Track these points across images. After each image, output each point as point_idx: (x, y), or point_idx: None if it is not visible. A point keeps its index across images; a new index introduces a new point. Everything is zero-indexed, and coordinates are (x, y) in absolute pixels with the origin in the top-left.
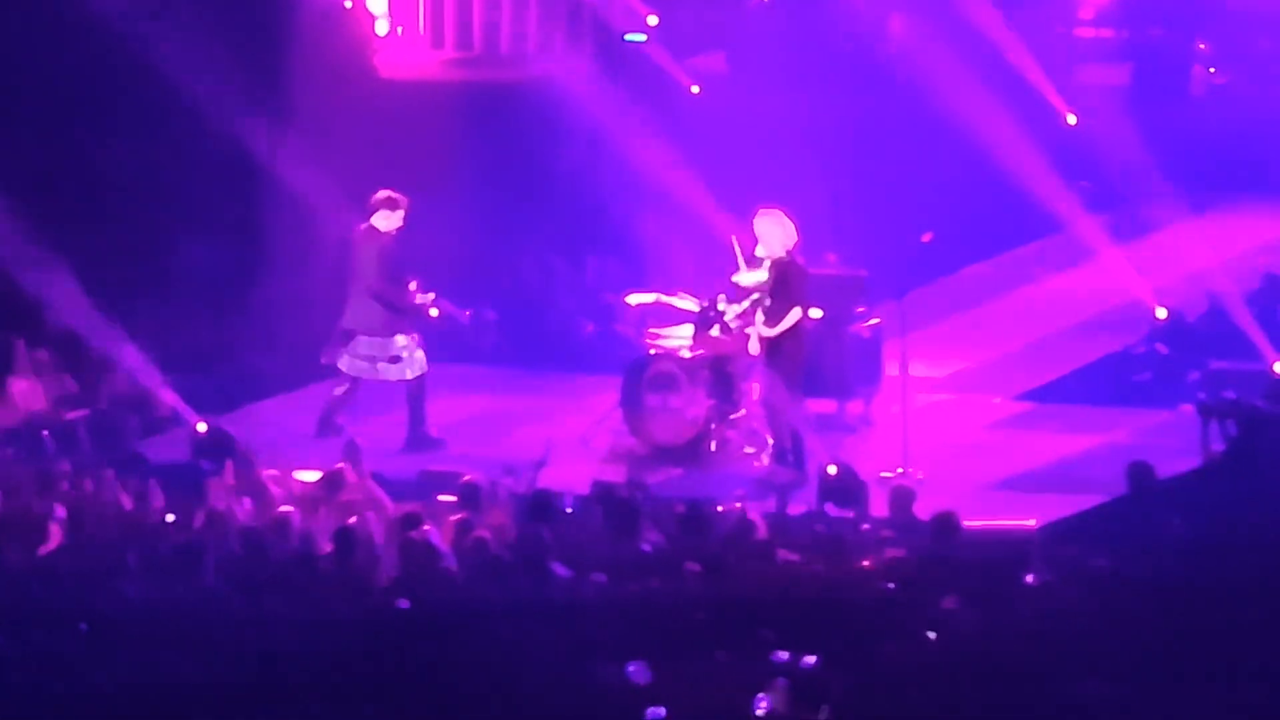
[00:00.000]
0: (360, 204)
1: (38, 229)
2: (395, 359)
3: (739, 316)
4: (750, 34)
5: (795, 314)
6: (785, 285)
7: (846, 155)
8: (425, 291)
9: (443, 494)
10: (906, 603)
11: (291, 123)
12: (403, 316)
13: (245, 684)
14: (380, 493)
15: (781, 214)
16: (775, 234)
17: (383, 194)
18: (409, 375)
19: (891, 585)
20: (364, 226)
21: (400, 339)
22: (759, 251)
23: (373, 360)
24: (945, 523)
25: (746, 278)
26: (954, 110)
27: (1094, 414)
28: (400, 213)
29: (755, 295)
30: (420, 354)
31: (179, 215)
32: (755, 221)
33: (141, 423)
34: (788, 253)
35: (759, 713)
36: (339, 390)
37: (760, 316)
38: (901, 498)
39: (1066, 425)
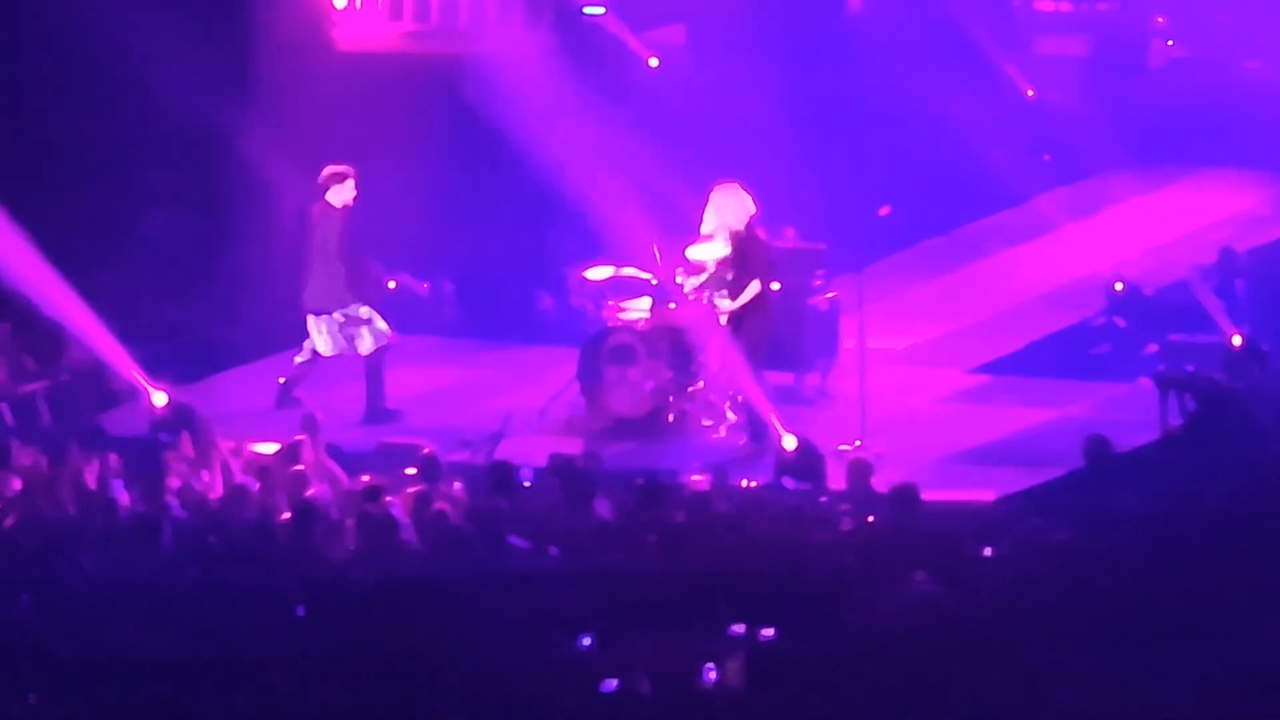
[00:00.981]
0: (318, 176)
1: None
2: (357, 334)
3: (696, 289)
4: (708, 7)
5: (754, 287)
6: (745, 259)
7: (804, 128)
8: (385, 267)
9: (401, 466)
10: (865, 575)
11: (251, 95)
12: (362, 290)
13: (203, 657)
14: (335, 466)
15: (738, 188)
16: (733, 208)
17: (328, 170)
18: (373, 346)
19: (850, 558)
20: (318, 205)
21: (364, 309)
22: (706, 227)
23: (334, 337)
24: (904, 495)
25: (701, 251)
26: (912, 83)
27: (1052, 387)
28: (350, 183)
29: (712, 268)
30: (383, 325)
31: (138, 188)
32: (712, 196)
33: (100, 395)
34: (746, 226)
35: (708, 681)
36: (299, 362)
37: (721, 290)
38: (859, 470)
39: (1024, 398)
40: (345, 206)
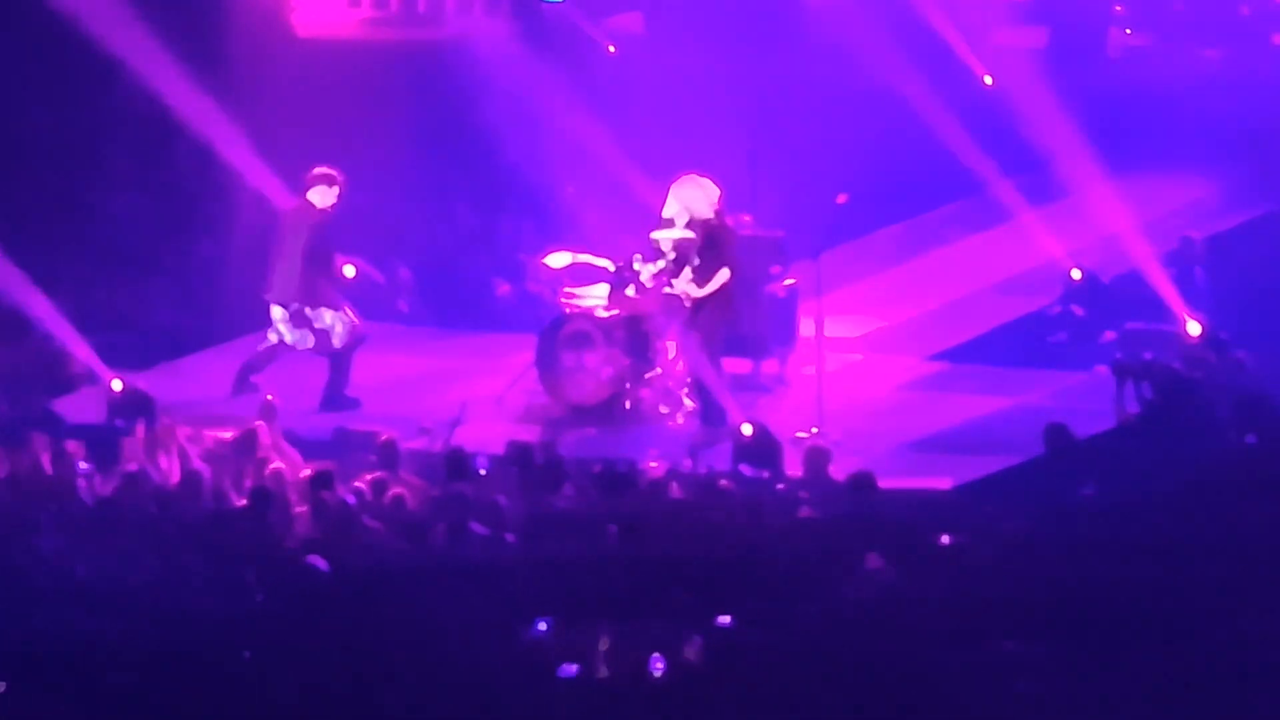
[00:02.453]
0: (275, 162)
1: None
2: (325, 329)
3: (654, 276)
4: None
5: (724, 275)
6: (714, 246)
7: (763, 116)
8: (345, 256)
9: (359, 453)
10: (822, 563)
11: (209, 81)
12: (328, 289)
13: (160, 644)
14: (292, 452)
15: (698, 178)
16: (699, 197)
17: (320, 170)
18: (343, 341)
19: (807, 545)
20: (298, 201)
21: (327, 315)
22: (667, 211)
23: (298, 331)
24: (862, 482)
25: (667, 235)
26: (870, 71)
27: (1009, 375)
28: (336, 190)
29: (672, 255)
30: (347, 324)
31: (96, 173)
32: (678, 185)
33: (57, 381)
34: (716, 214)
35: (655, 673)
36: (260, 349)
37: (686, 276)
38: (816, 458)
39: (982, 386)
40: (325, 210)
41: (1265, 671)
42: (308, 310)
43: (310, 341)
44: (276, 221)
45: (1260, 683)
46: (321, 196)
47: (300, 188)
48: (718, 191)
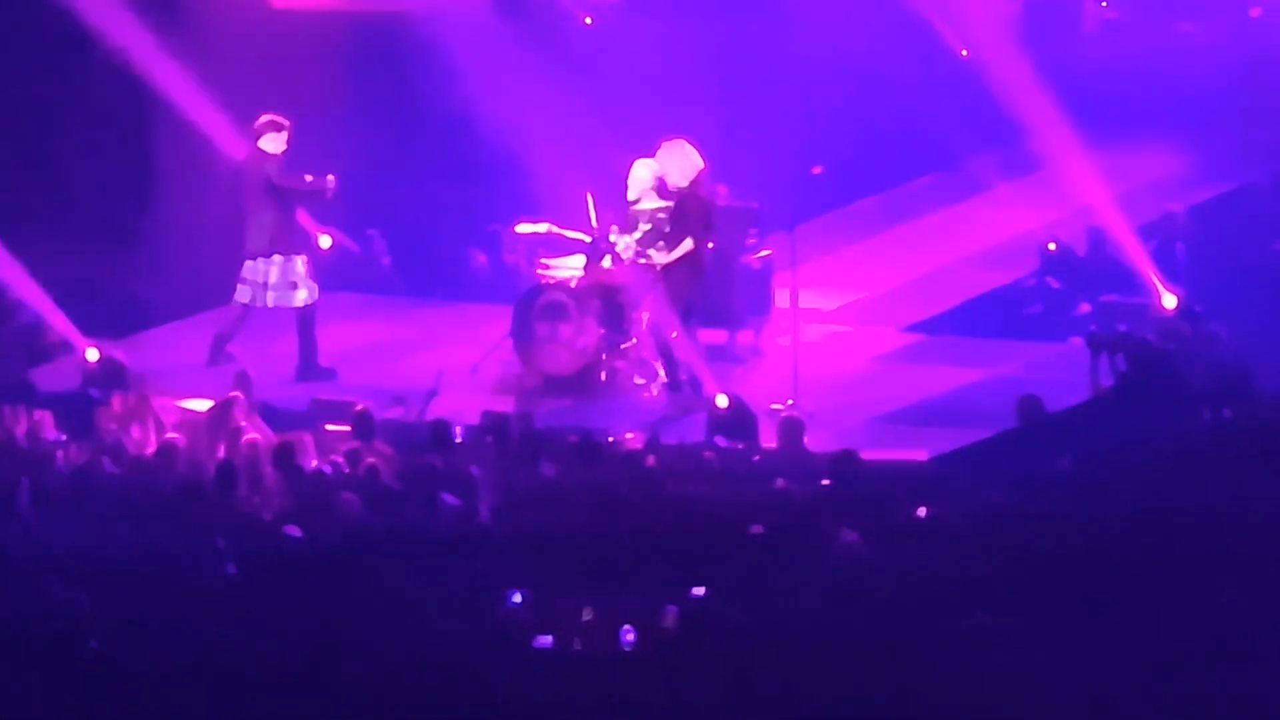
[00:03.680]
0: (250, 132)
1: None
2: (293, 285)
3: (630, 247)
4: None
5: (687, 244)
6: (684, 215)
7: (738, 88)
8: (317, 223)
9: (334, 423)
10: (797, 535)
11: (182, 50)
12: (309, 200)
13: (134, 613)
14: (261, 424)
15: (685, 144)
16: (677, 164)
17: (266, 117)
18: (302, 302)
19: (782, 517)
20: (251, 151)
21: (300, 264)
22: (637, 174)
23: (270, 288)
24: (843, 459)
25: (645, 204)
26: (847, 43)
27: (984, 347)
28: (285, 134)
29: (647, 225)
30: (311, 281)
31: (68, 142)
32: (658, 151)
33: (31, 351)
34: (691, 183)
35: (625, 644)
36: (230, 317)
37: (658, 243)
38: (791, 429)
39: (956, 358)
40: (278, 156)
41: (1240, 643)
42: (279, 265)
43: (280, 300)
44: (237, 179)
45: (1235, 654)
46: (273, 143)
47: (250, 138)
48: (700, 162)
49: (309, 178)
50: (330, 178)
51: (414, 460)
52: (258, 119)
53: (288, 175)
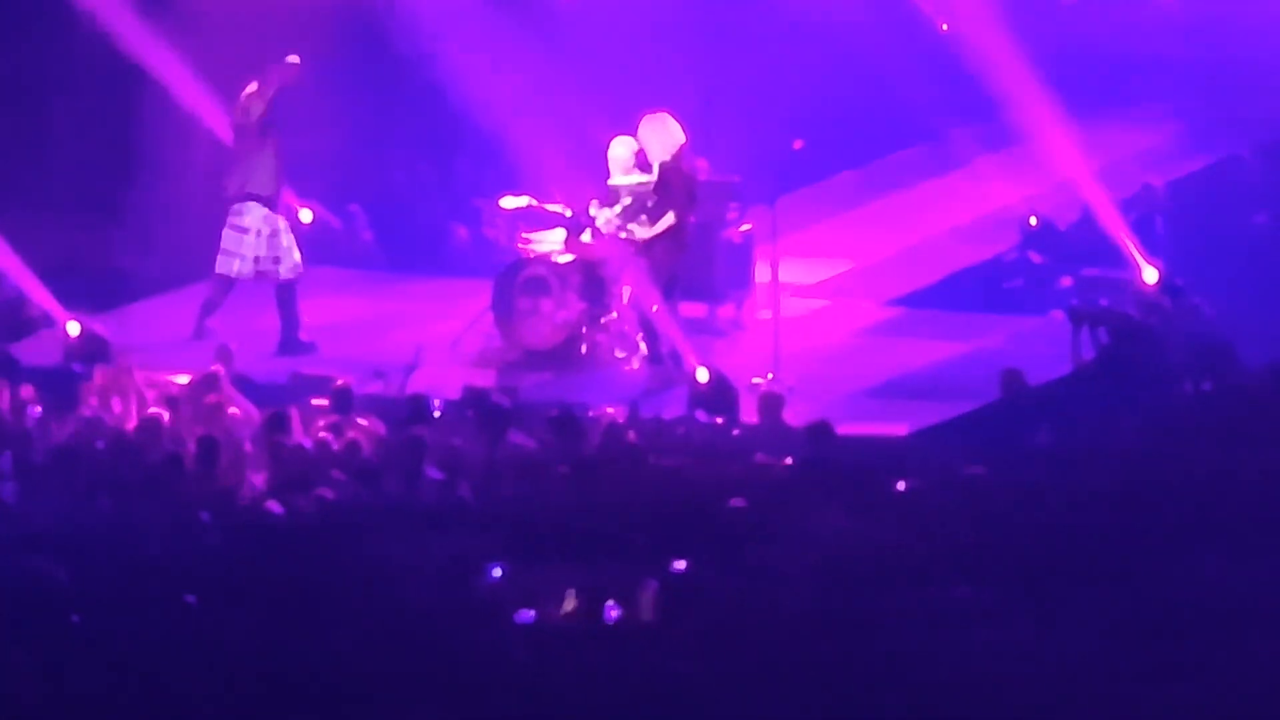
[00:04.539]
0: (231, 105)
1: None
2: (276, 260)
3: (610, 221)
4: None
5: (669, 219)
6: (666, 190)
7: (719, 61)
8: (298, 198)
9: (315, 397)
10: (778, 509)
11: (162, 23)
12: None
13: (115, 588)
14: (242, 400)
15: (667, 118)
16: (658, 138)
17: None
18: (287, 274)
19: (763, 491)
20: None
21: (284, 233)
22: (617, 150)
23: (257, 260)
24: (819, 431)
25: (625, 180)
26: (827, 15)
27: (966, 320)
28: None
29: (628, 200)
30: (297, 253)
31: (50, 117)
32: (640, 125)
33: (13, 325)
34: (674, 157)
35: (609, 619)
36: (213, 289)
37: (642, 218)
38: (771, 404)
39: (938, 332)
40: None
41: (1220, 616)
42: (267, 237)
43: (264, 263)
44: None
45: (1215, 627)
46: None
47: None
48: (682, 136)
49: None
50: (306, 212)
51: (396, 434)
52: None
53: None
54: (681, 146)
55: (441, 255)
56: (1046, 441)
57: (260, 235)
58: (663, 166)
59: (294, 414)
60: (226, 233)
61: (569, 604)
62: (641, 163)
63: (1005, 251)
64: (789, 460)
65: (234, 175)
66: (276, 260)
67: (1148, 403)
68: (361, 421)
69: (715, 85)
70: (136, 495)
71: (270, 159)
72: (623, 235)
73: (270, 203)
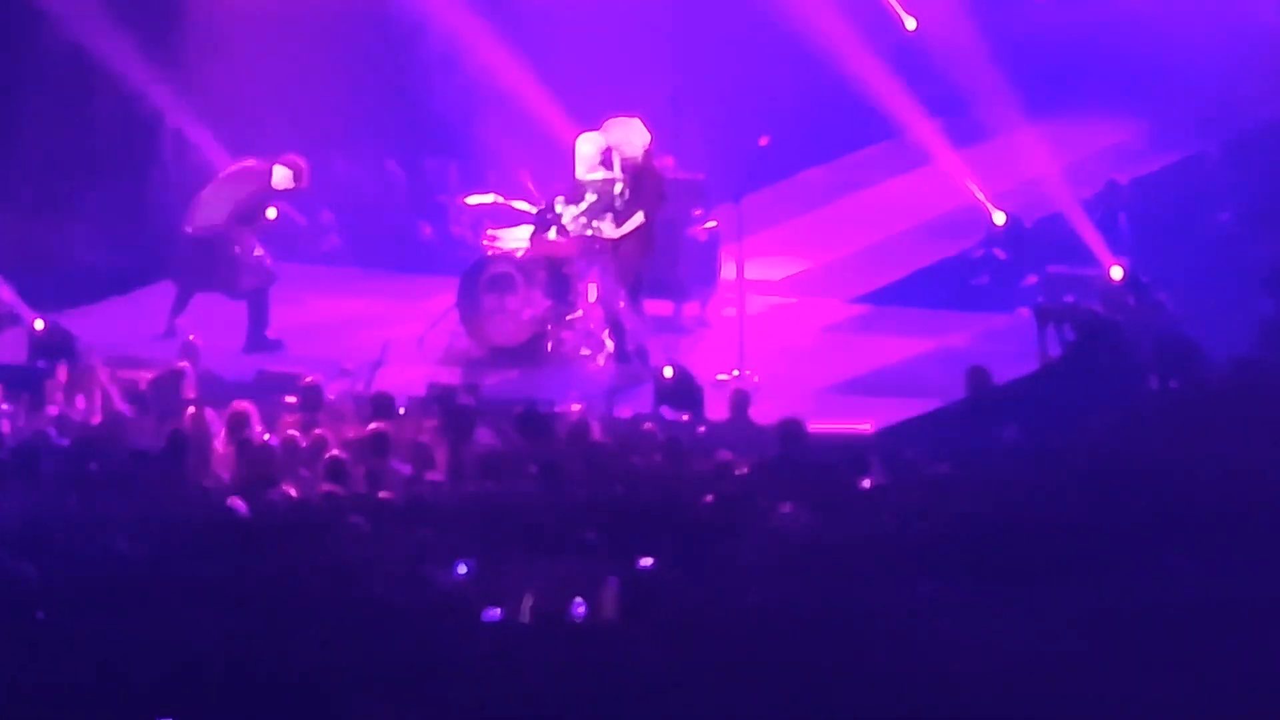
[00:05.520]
0: (197, 103)
1: None
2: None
3: (576, 219)
4: None
5: (638, 218)
6: (638, 189)
7: (685, 58)
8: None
9: (282, 395)
10: (743, 505)
11: (129, 21)
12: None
13: (80, 584)
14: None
15: (635, 121)
16: (629, 139)
17: (294, 157)
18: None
19: (728, 488)
20: (260, 167)
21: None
22: (584, 149)
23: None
24: (790, 430)
25: (591, 178)
26: (793, 13)
27: (931, 317)
28: (295, 180)
29: (593, 197)
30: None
31: (14, 114)
32: (608, 126)
33: None
34: (644, 156)
35: (577, 615)
36: (180, 292)
37: (606, 215)
38: (740, 400)
39: (903, 329)
40: (275, 190)
41: (1185, 612)
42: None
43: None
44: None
45: (1181, 621)
46: (282, 179)
47: (269, 158)
48: (649, 135)
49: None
50: (272, 210)
51: (361, 430)
52: (287, 156)
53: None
54: (650, 144)
55: (407, 253)
56: (1013, 438)
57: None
58: (633, 165)
59: (259, 411)
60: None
61: (527, 606)
62: (607, 159)
63: (971, 249)
64: (755, 458)
65: (198, 214)
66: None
67: (1113, 399)
68: (328, 418)
69: (680, 82)
70: (103, 492)
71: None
72: (589, 232)
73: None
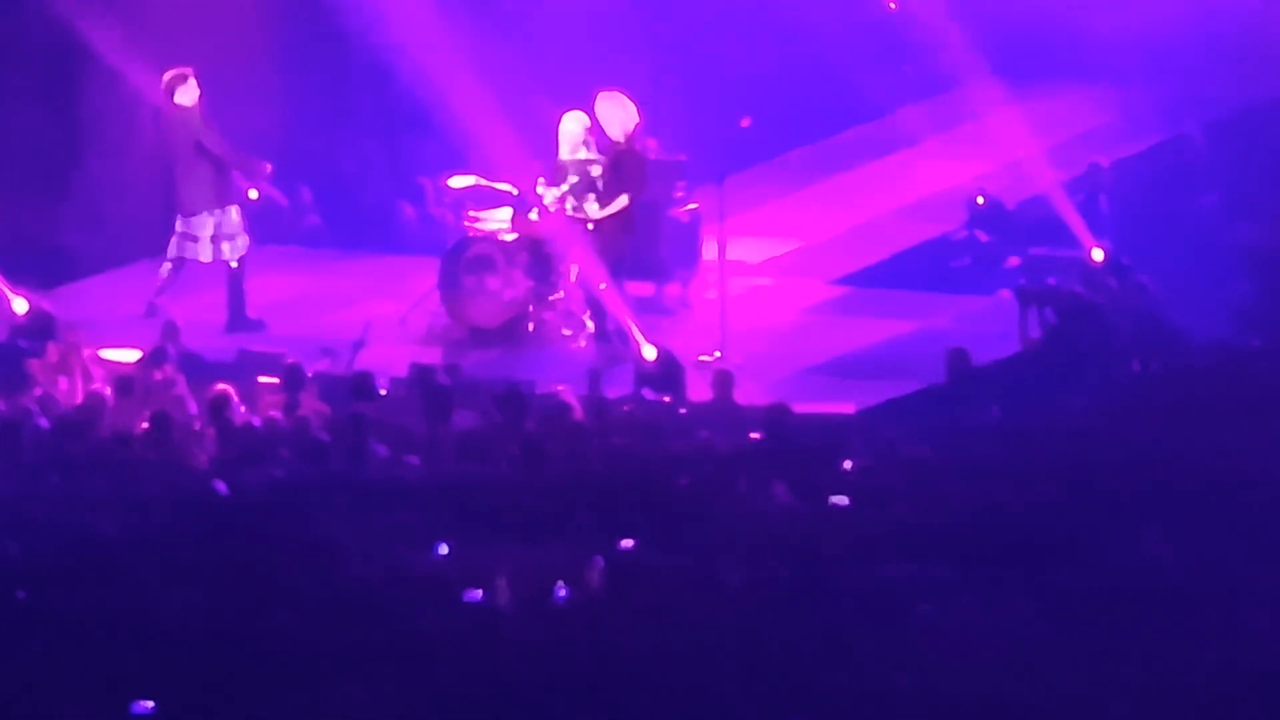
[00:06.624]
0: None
1: None
2: (230, 236)
3: (557, 199)
4: None
5: (621, 201)
6: (620, 171)
7: (666, 39)
8: (245, 176)
9: (263, 375)
10: (724, 487)
11: (109, 1)
12: (241, 170)
13: (61, 563)
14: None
15: (623, 97)
16: (614, 118)
17: (169, 73)
18: (235, 255)
19: (709, 469)
20: (170, 109)
21: (234, 214)
22: (568, 126)
23: (204, 240)
24: (776, 413)
25: (572, 158)
26: None
27: (913, 299)
28: (193, 81)
29: (575, 178)
30: (244, 232)
31: None
32: (595, 104)
33: None
34: (627, 138)
35: (559, 598)
36: (164, 271)
37: (589, 196)
38: (724, 381)
39: (885, 310)
40: (195, 106)
41: (1165, 594)
42: (214, 218)
43: (216, 253)
44: (165, 137)
45: (1162, 603)
46: (186, 95)
47: (164, 95)
48: (636, 117)
49: (248, 186)
50: (267, 166)
51: (342, 411)
52: (163, 77)
53: (218, 138)
54: (637, 126)
55: (389, 233)
56: (993, 420)
57: (214, 220)
58: (617, 148)
59: (240, 391)
60: (180, 231)
61: (502, 588)
62: (589, 140)
63: (953, 230)
64: (738, 440)
65: (182, 191)
66: (230, 238)
67: (1094, 381)
68: (311, 400)
69: (662, 63)
70: (85, 472)
71: (210, 172)
72: (570, 213)
73: (219, 204)
